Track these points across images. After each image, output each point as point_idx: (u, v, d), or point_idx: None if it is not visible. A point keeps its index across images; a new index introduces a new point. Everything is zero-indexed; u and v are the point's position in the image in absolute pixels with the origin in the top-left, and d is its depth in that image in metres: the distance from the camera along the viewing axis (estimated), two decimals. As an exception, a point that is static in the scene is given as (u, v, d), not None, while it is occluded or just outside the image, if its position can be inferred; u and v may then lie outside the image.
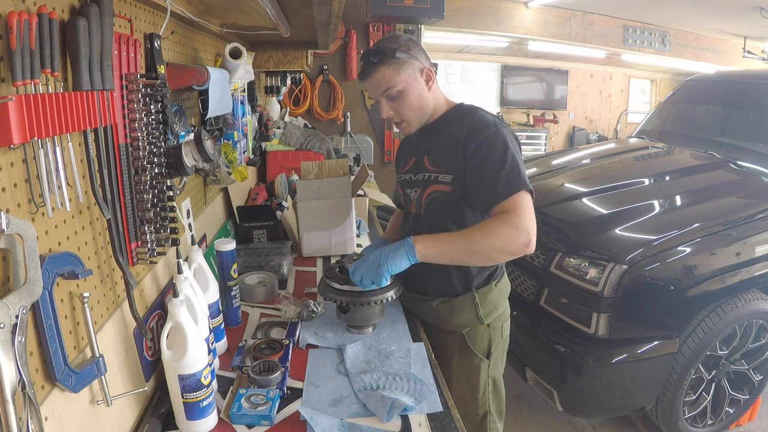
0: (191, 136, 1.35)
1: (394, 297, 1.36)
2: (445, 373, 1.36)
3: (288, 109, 4.29)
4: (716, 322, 2.07)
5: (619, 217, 2.27)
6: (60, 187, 0.73)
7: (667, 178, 2.66)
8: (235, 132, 1.92)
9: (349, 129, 4.73)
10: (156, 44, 1.18)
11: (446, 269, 1.40)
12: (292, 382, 1.18)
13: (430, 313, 1.48)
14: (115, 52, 0.94)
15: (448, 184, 1.34)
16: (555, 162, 3.24)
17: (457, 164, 1.32)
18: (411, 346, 1.34)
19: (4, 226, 0.62)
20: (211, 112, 1.57)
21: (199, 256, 1.25)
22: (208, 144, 1.22)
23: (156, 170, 1.07)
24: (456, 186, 1.33)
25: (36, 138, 0.67)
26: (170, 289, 1.01)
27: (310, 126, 4.07)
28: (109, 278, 0.98)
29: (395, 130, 4.85)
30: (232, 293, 1.44)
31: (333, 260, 1.95)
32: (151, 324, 1.13)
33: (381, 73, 1.33)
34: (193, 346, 0.97)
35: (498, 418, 1.53)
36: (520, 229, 1.19)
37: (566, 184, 2.69)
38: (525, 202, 1.22)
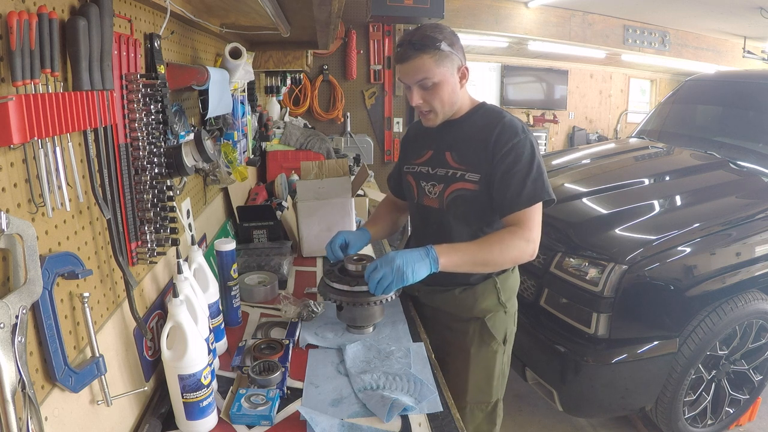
0: (191, 136, 1.35)
1: (393, 297, 1.36)
2: (463, 361, 1.45)
3: (288, 109, 4.29)
4: (716, 322, 2.07)
5: (619, 217, 2.27)
6: (60, 187, 0.73)
7: (667, 178, 2.66)
8: (235, 132, 1.92)
9: (349, 129, 4.73)
10: (156, 44, 1.18)
11: None
12: (292, 382, 1.18)
13: (452, 302, 1.48)
14: (115, 52, 0.94)
15: (475, 183, 1.36)
16: (555, 162, 3.23)
17: (486, 164, 1.34)
18: (411, 346, 1.34)
19: (4, 226, 0.62)
20: (211, 112, 1.57)
21: (199, 256, 1.25)
22: (208, 144, 1.22)
23: (156, 170, 1.07)
24: (483, 185, 1.35)
25: (36, 138, 0.67)
26: (170, 289, 1.01)
27: (310, 126, 4.07)
28: (109, 278, 0.98)
29: (395, 129, 4.85)
30: (232, 293, 1.44)
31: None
32: (151, 324, 1.13)
33: (421, 61, 1.29)
34: (193, 346, 0.97)
35: (503, 406, 1.58)
36: (530, 241, 1.30)
37: (566, 184, 2.69)
38: (537, 214, 1.32)
